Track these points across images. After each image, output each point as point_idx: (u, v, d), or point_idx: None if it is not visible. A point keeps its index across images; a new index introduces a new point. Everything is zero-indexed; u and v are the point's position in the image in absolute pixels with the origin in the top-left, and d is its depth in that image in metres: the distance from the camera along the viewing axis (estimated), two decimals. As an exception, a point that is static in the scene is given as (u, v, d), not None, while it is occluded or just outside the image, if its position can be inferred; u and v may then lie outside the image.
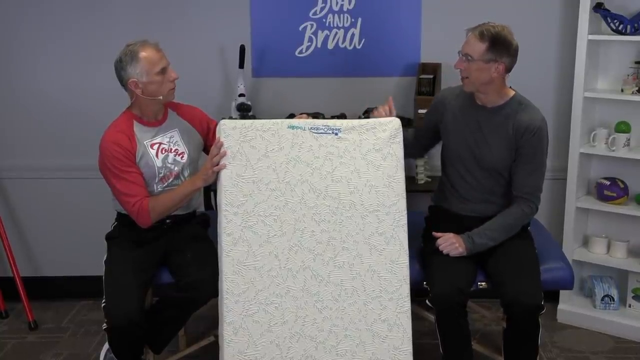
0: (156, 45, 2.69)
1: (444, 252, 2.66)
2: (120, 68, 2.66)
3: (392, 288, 2.59)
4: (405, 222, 2.64)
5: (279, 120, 2.62)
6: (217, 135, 2.59)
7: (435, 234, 2.72)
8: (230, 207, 2.55)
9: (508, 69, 2.61)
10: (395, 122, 2.65)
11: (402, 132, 2.64)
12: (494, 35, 2.55)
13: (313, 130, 2.60)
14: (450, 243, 2.66)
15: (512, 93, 2.70)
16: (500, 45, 2.56)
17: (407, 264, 2.61)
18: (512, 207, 2.69)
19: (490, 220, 2.69)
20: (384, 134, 2.63)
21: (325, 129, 2.61)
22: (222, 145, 2.54)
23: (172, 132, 2.77)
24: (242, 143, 2.56)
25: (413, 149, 2.92)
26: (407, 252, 2.62)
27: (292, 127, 2.59)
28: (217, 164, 2.54)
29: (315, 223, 2.57)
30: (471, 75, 2.61)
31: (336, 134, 2.60)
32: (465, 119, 2.74)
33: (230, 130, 2.57)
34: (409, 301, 2.61)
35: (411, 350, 2.59)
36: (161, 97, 2.68)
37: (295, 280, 2.55)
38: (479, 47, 2.56)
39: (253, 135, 2.57)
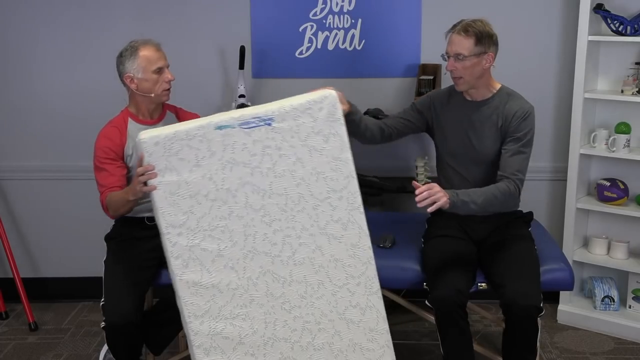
0: (158, 45, 2.74)
1: (427, 201, 2.50)
2: (119, 62, 2.73)
3: (358, 272, 2.51)
4: (360, 202, 2.51)
5: (204, 123, 2.40)
6: (140, 152, 2.39)
7: (415, 183, 2.59)
8: (172, 228, 2.38)
9: (494, 58, 2.69)
10: (331, 97, 2.47)
11: (339, 106, 2.48)
12: (476, 28, 2.63)
13: (244, 127, 2.40)
14: (434, 192, 2.51)
15: (499, 85, 2.77)
16: (485, 37, 2.64)
17: (369, 245, 2.53)
18: (498, 182, 2.66)
19: (479, 188, 2.65)
20: (321, 113, 2.45)
21: (257, 122, 2.41)
22: (148, 167, 2.35)
23: None
24: (169, 157, 2.36)
25: (381, 131, 2.89)
26: (367, 233, 2.52)
27: (220, 128, 2.39)
28: (146, 184, 2.37)
29: (265, 225, 2.44)
30: (465, 72, 2.65)
31: (269, 124, 2.41)
32: (457, 116, 2.79)
33: (152, 147, 2.35)
34: (377, 281, 2.55)
35: (387, 329, 2.55)
36: (152, 95, 2.71)
37: (257, 288, 2.45)
38: (468, 43, 2.62)
39: (179, 146, 2.36)
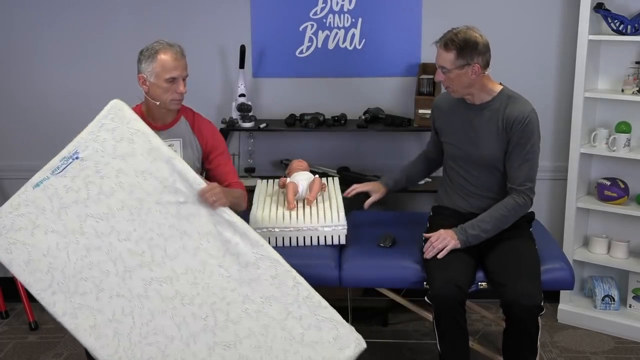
0: (180, 53, 2.64)
1: (437, 248, 2.65)
2: (138, 59, 2.65)
3: (291, 298, 2.52)
4: (194, 174, 2.52)
5: (22, 188, 2.47)
6: None
7: (425, 235, 2.73)
8: (43, 292, 2.43)
9: (484, 66, 2.65)
10: (113, 104, 2.52)
11: (126, 107, 2.54)
12: (457, 41, 2.59)
13: (56, 173, 2.46)
14: (442, 239, 2.66)
15: (499, 88, 2.74)
16: (467, 49, 2.60)
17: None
18: (506, 198, 2.70)
19: (484, 212, 2.70)
20: (114, 122, 2.49)
21: (65, 162, 2.47)
22: None
23: (174, 140, 2.73)
24: (6, 234, 2.44)
25: (432, 162, 3.04)
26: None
27: (38, 185, 2.46)
28: None
29: (125, 241, 2.47)
30: (452, 84, 2.67)
31: (77, 157, 2.47)
32: (459, 119, 2.79)
33: None
34: (252, 231, 2.55)
35: (288, 267, 2.55)
36: (158, 103, 2.65)
37: (150, 300, 2.46)
38: (449, 57, 2.61)
39: (10, 220, 2.44)
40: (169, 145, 2.64)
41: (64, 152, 2.50)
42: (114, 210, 2.48)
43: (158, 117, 2.73)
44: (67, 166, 2.48)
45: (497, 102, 2.70)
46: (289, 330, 2.50)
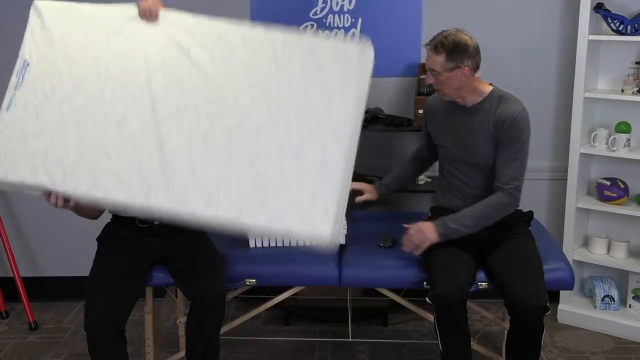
0: None
1: (415, 244, 2.67)
2: None
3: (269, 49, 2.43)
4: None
5: None
6: None
7: (405, 225, 2.72)
8: (66, 181, 2.40)
9: (474, 69, 2.65)
10: (33, 5, 2.58)
11: (40, 2, 2.58)
12: (447, 44, 2.59)
13: (19, 87, 2.52)
14: (420, 234, 2.66)
15: (489, 89, 2.73)
16: (457, 51, 2.59)
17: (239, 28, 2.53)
18: (491, 196, 2.69)
19: (468, 207, 2.69)
20: (37, 19, 2.57)
21: (20, 73, 2.53)
22: None
23: None
24: (4, 157, 2.47)
25: (424, 161, 3.03)
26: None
27: (10, 106, 2.49)
28: None
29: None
30: (442, 86, 2.67)
31: (28, 64, 2.53)
32: (451, 121, 2.79)
33: None
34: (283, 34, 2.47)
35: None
36: None
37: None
38: (439, 60, 2.61)
39: (1, 147, 2.48)
40: None
41: (16, 67, 2.55)
42: (80, 82, 2.50)
43: None
44: (23, 76, 2.54)
45: (488, 103, 2.70)
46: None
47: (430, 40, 2.65)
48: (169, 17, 2.53)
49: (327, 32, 3.60)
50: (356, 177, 3.32)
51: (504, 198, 2.66)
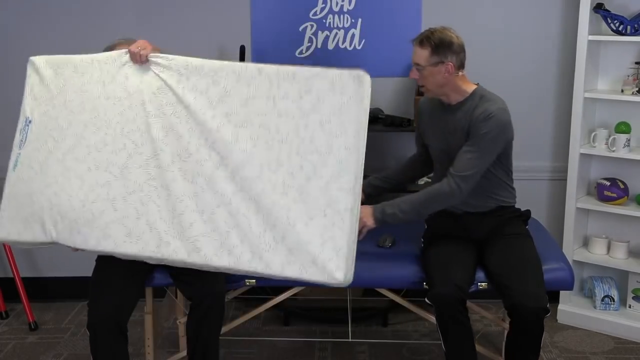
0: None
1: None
2: None
3: (266, 83, 2.41)
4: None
5: (6, 178, 2.62)
6: None
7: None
8: (71, 237, 2.50)
9: (459, 66, 2.66)
10: (29, 62, 2.68)
11: (36, 58, 2.68)
12: (433, 39, 2.62)
13: (22, 145, 2.61)
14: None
15: (473, 88, 2.73)
16: (442, 47, 2.62)
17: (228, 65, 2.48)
18: (440, 181, 2.68)
19: (413, 193, 2.70)
20: (35, 76, 2.65)
21: (23, 132, 2.62)
22: None
23: None
24: (15, 217, 2.58)
25: (421, 165, 2.99)
26: None
27: (16, 165, 2.60)
28: None
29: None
30: (426, 82, 2.68)
31: (29, 122, 2.62)
32: (437, 121, 2.80)
33: None
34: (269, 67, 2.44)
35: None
36: None
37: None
38: (424, 54, 2.64)
39: (12, 209, 2.58)
40: None
41: (19, 125, 2.62)
42: (80, 134, 2.53)
43: None
44: (27, 134, 2.59)
45: (470, 102, 2.70)
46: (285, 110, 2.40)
47: (417, 37, 2.69)
48: (160, 61, 2.52)
49: (326, 32, 3.60)
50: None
51: (446, 186, 2.64)
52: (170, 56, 2.52)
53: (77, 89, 2.57)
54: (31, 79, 2.65)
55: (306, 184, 2.33)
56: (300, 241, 2.30)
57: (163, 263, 2.46)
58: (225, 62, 2.50)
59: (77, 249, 2.54)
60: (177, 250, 2.38)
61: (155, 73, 2.51)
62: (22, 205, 2.54)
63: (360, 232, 2.67)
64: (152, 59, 2.52)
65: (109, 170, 2.48)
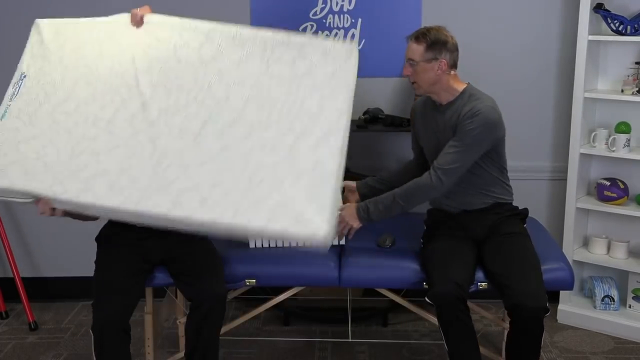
0: None
1: (342, 234, 2.75)
2: None
3: (259, 48, 2.45)
4: None
5: None
6: None
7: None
8: (53, 187, 2.38)
9: (451, 65, 2.68)
10: (35, 23, 2.68)
11: (41, 21, 2.68)
12: (429, 35, 2.66)
13: (14, 98, 2.57)
14: (343, 223, 2.72)
15: (463, 87, 2.74)
16: (437, 44, 2.66)
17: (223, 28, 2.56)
18: (423, 175, 2.71)
19: (393, 190, 2.73)
20: (37, 35, 2.66)
21: (16, 85, 2.59)
22: None
23: None
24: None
25: (418, 168, 2.94)
26: None
27: (3, 116, 2.55)
28: None
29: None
30: (418, 78, 2.70)
31: (24, 77, 2.59)
32: (428, 122, 2.82)
33: None
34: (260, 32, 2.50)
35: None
36: None
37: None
38: (419, 50, 2.66)
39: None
40: None
41: (13, 80, 2.60)
42: (71, 88, 2.53)
43: None
44: (19, 88, 2.58)
45: (459, 101, 2.71)
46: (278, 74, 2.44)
47: (413, 33, 2.72)
48: (155, 19, 2.56)
49: (326, 32, 3.60)
50: (356, 178, 3.34)
51: (428, 179, 2.66)
52: (166, 16, 2.57)
53: (74, 47, 2.60)
54: (33, 38, 2.66)
55: (295, 144, 2.33)
56: (286, 198, 2.26)
57: (142, 221, 2.38)
58: (221, 24, 2.54)
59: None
60: (158, 204, 2.30)
61: (149, 30, 2.55)
62: (6, 153, 2.49)
63: (349, 233, 2.74)
64: (148, 19, 2.57)
65: (96, 124, 2.47)
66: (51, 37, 2.64)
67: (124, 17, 2.60)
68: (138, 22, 2.57)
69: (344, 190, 3.02)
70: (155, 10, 3.58)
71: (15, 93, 2.59)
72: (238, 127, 2.37)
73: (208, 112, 2.40)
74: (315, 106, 2.37)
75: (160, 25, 2.55)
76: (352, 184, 3.02)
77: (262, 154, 2.33)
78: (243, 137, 2.36)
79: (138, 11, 2.58)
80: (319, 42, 2.49)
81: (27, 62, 2.63)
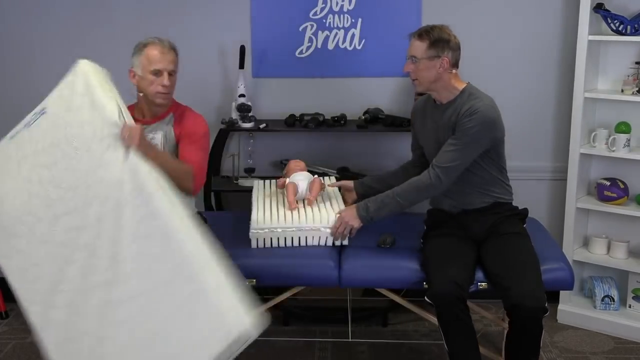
0: (167, 48, 2.67)
1: (343, 235, 2.77)
2: (132, 54, 2.72)
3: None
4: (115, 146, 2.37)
5: (3, 140, 2.62)
6: None
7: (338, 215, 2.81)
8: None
9: (453, 63, 2.70)
10: (79, 63, 2.55)
11: (86, 63, 2.55)
12: (432, 33, 2.68)
13: (27, 126, 2.56)
14: (344, 224, 2.76)
15: (463, 86, 2.76)
16: (440, 41, 2.68)
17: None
18: (422, 173, 2.74)
19: (393, 188, 2.75)
20: (73, 77, 2.54)
21: (35, 116, 2.56)
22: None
23: (156, 133, 2.73)
24: None
25: (416, 170, 2.93)
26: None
27: (13, 137, 2.59)
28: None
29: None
30: (419, 75, 2.71)
31: (44, 112, 2.55)
32: (428, 121, 2.83)
33: None
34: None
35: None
36: (141, 94, 2.71)
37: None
38: (421, 47, 2.68)
39: None
40: (151, 138, 2.65)
41: (37, 109, 2.59)
42: (58, 160, 2.47)
43: (147, 111, 2.76)
44: (35, 120, 2.57)
45: (459, 100, 2.73)
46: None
47: (416, 30, 2.74)
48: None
49: (326, 32, 3.60)
50: (356, 178, 3.35)
51: (427, 177, 2.69)
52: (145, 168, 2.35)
53: (81, 120, 2.46)
54: (68, 79, 2.57)
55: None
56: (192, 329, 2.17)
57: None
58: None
59: None
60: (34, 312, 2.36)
61: (123, 168, 2.35)
62: None
63: (350, 233, 2.77)
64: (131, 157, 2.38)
65: (48, 209, 2.42)
66: (80, 91, 2.50)
67: (114, 125, 2.39)
68: (125, 143, 2.38)
69: (340, 189, 3.04)
70: (157, 10, 3.60)
71: (30, 124, 2.58)
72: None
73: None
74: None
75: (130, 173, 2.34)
76: (350, 183, 3.03)
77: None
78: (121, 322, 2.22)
79: (125, 133, 2.36)
80: (218, 299, 2.15)
81: (53, 100, 2.58)
